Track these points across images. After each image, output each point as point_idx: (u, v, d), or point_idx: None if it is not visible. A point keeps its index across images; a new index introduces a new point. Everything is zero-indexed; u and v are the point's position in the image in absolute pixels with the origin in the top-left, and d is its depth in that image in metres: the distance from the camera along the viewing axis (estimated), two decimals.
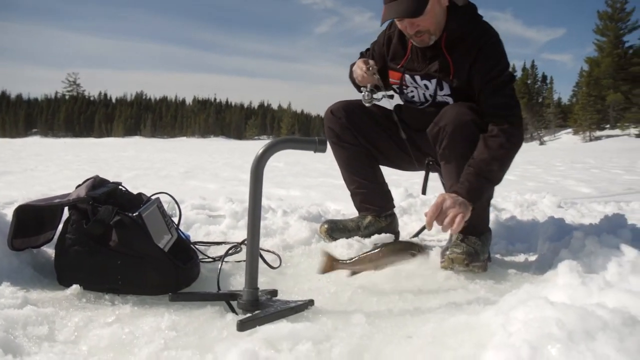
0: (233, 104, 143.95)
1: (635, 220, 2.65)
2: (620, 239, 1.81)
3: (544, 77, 65.22)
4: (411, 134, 2.28)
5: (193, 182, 5.74)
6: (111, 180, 1.98)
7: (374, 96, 2.25)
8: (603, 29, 50.47)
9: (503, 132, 1.86)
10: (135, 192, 1.99)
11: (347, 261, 1.75)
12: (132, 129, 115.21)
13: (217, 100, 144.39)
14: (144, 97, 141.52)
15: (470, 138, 1.88)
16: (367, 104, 2.25)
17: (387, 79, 2.27)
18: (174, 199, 2.07)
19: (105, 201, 1.73)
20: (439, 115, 1.97)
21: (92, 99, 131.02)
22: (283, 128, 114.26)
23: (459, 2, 2.04)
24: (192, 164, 9.70)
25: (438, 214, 1.69)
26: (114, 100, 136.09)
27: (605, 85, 49.38)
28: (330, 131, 2.41)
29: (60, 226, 2.02)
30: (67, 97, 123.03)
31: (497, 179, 1.87)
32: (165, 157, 13.68)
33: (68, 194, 1.79)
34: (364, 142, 2.36)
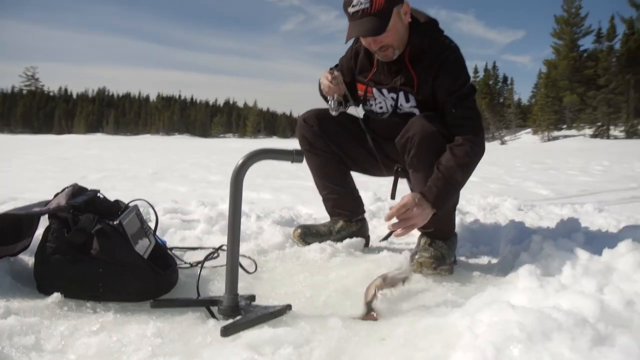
0: (198, 101, 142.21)
1: (588, 222, 2.83)
2: (574, 243, 1.95)
3: (505, 78, 66.87)
4: (380, 142, 2.37)
5: (163, 184, 5.71)
6: (88, 188, 2.00)
7: (340, 106, 2.32)
8: (560, 32, 52.16)
9: (467, 141, 1.97)
10: (107, 196, 2.00)
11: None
12: (94, 126, 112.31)
13: (182, 97, 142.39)
14: (106, 92, 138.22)
15: (437, 148, 1.98)
16: (333, 113, 2.30)
17: (355, 92, 2.36)
18: (151, 206, 2.10)
19: (84, 209, 1.75)
20: (406, 125, 2.07)
21: (51, 94, 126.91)
22: (249, 126, 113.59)
23: (420, 19, 2.13)
24: (160, 165, 9.59)
25: (401, 215, 1.82)
26: (74, 96, 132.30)
27: (562, 87, 51.04)
28: (303, 139, 2.48)
29: (39, 233, 2.05)
30: (24, 91, 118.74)
31: (461, 186, 1.98)
32: (130, 156, 13.46)
33: (47, 202, 1.81)
34: (335, 149, 2.44)
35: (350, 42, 2.30)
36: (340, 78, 2.21)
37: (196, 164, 9.82)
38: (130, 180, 6.28)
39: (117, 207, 1.95)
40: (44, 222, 2.07)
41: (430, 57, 2.08)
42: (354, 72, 2.34)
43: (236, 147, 25.34)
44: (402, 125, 2.15)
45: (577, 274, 1.48)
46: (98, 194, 1.95)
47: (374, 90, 2.26)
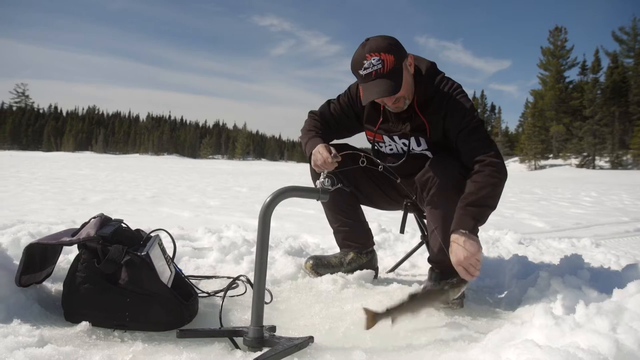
0: (188, 122, 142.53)
1: (588, 258, 2.92)
2: (581, 280, 2.03)
3: (493, 107, 68.09)
4: (391, 179, 2.45)
5: (164, 209, 5.73)
6: (97, 212, 2.04)
7: (332, 184, 2.31)
8: (546, 63, 53.42)
9: (486, 166, 2.01)
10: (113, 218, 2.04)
11: (387, 311, 1.78)
12: (83, 144, 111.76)
13: (172, 118, 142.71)
14: (96, 111, 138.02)
15: (458, 187, 2.05)
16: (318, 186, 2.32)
17: (351, 133, 2.46)
18: (172, 237, 2.15)
19: (112, 240, 1.80)
20: (427, 165, 2.13)
21: (41, 111, 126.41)
22: (238, 148, 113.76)
23: (421, 66, 2.21)
24: (157, 187, 9.61)
25: (464, 269, 1.86)
26: (64, 114, 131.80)
27: (549, 117, 51.99)
28: (315, 172, 2.55)
29: (61, 259, 2.09)
30: (14, 108, 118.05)
31: (492, 205, 1.98)
32: (124, 177, 13.43)
33: (74, 231, 1.85)
34: (346, 183, 2.51)
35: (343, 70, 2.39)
36: (338, 158, 2.13)
37: (192, 188, 9.84)
38: (131, 203, 6.29)
39: (139, 237, 2.00)
40: (65, 249, 2.13)
41: (437, 102, 2.16)
42: (358, 116, 2.40)
43: (226, 169, 25.38)
44: (414, 163, 2.25)
45: (590, 312, 1.55)
46: (122, 224, 2.01)
47: (384, 136, 2.34)
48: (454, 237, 1.89)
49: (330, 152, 2.12)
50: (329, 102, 2.48)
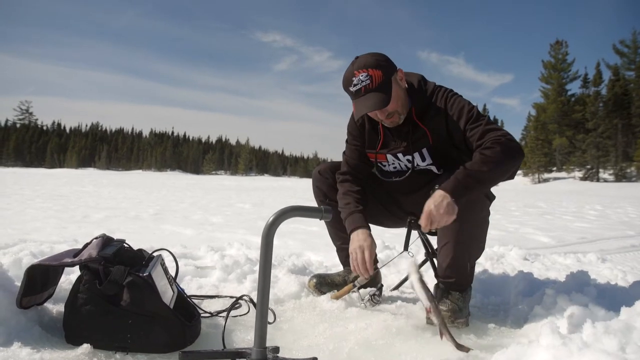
0: (191, 137, 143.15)
1: (594, 274, 2.89)
2: (587, 297, 2.01)
3: (495, 120, 68.04)
4: (394, 195, 2.45)
5: (167, 227, 5.72)
6: (100, 232, 2.04)
7: (374, 302, 2.31)
8: (547, 77, 53.61)
9: (495, 143, 1.97)
10: (114, 237, 2.03)
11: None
12: (86, 160, 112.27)
13: (175, 134, 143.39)
14: (99, 128, 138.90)
15: (471, 202, 2.01)
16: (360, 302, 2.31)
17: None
18: (174, 258, 2.14)
19: (114, 261, 1.79)
20: (442, 178, 2.08)
21: (45, 128, 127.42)
22: (241, 164, 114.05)
23: (412, 80, 2.24)
24: (159, 204, 9.60)
25: (429, 225, 1.90)
26: (68, 130, 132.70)
27: (552, 130, 52.01)
28: (318, 190, 2.56)
29: (63, 280, 2.08)
30: (18, 125, 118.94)
31: (487, 180, 1.95)
32: (127, 194, 13.44)
33: (76, 251, 1.84)
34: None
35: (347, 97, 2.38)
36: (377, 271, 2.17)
37: (195, 204, 9.83)
38: (133, 221, 6.28)
39: (142, 257, 1.98)
40: (67, 270, 2.12)
41: (434, 107, 2.18)
42: (364, 141, 2.40)
43: (229, 185, 25.40)
44: (419, 179, 2.24)
45: (598, 332, 1.53)
46: (124, 244, 2.00)
47: (387, 155, 2.32)
48: (436, 192, 1.91)
49: (372, 256, 2.14)
50: (344, 152, 2.50)
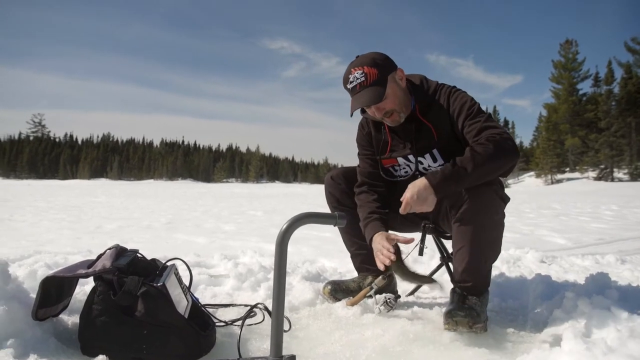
0: (201, 146, 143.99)
1: (614, 276, 2.84)
2: (609, 300, 1.96)
3: (506, 122, 67.85)
4: None
5: (180, 235, 5.73)
6: (113, 242, 2.04)
7: (388, 306, 2.27)
8: (558, 77, 53.25)
9: (489, 141, 1.97)
10: (128, 247, 2.03)
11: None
12: (98, 171, 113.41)
13: (185, 143, 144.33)
14: (110, 138, 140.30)
15: (491, 205, 2.01)
16: (376, 309, 2.27)
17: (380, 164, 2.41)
18: (188, 267, 2.13)
19: (128, 271, 1.79)
20: None
21: (57, 140, 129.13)
22: (251, 171, 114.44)
23: (415, 81, 2.27)
24: (171, 213, 9.63)
25: (407, 209, 1.95)
26: (80, 142, 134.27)
27: (563, 130, 51.59)
28: (331, 196, 2.54)
29: (77, 291, 2.08)
30: (31, 138, 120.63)
31: (473, 177, 1.93)
32: (139, 203, 13.51)
33: (90, 262, 1.84)
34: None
35: (356, 117, 2.39)
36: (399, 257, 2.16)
37: (207, 213, 9.85)
38: (146, 230, 6.30)
39: (155, 267, 1.98)
40: (82, 281, 2.12)
41: (437, 103, 2.20)
42: (374, 149, 2.40)
43: (241, 193, 25.48)
44: None
45: (623, 336, 1.49)
46: (137, 254, 1.99)
47: (399, 159, 2.32)
48: (420, 180, 1.95)
49: (390, 247, 2.13)
50: (357, 165, 2.51)
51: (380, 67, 2.10)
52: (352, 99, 2.12)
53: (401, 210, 1.97)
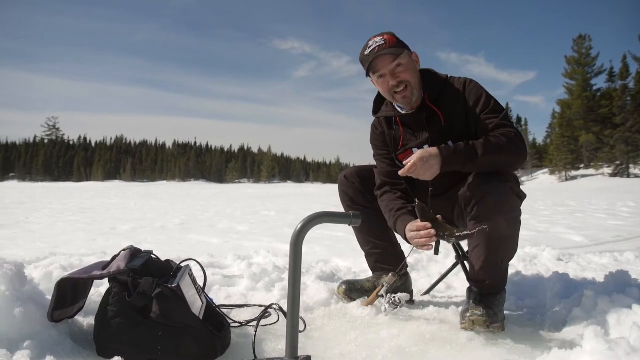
0: (213, 147, 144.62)
1: (635, 273, 2.78)
2: (631, 299, 1.92)
3: (519, 119, 67.25)
4: (426, 200, 2.39)
5: (193, 236, 5.75)
6: (127, 243, 2.04)
7: (395, 306, 2.22)
8: (571, 73, 52.58)
9: (504, 135, 2.03)
10: (141, 248, 2.03)
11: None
12: (111, 173, 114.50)
13: (198, 144, 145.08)
14: (124, 140, 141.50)
15: (507, 203, 1.99)
16: (384, 309, 2.23)
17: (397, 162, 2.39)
18: (202, 267, 2.12)
19: (142, 272, 1.78)
20: (472, 179, 2.05)
21: (71, 142, 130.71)
22: (264, 171, 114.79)
23: (425, 73, 2.28)
24: (185, 214, 9.68)
25: (411, 169, 1.97)
26: (93, 144, 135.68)
27: (577, 127, 50.97)
28: (345, 195, 2.53)
29: (93, 292, 2.08)
30: (46, 141, 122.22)
31: (481, 163, 2.00)
32: (152, 205, 13.60)
33: (105, 264, 1.84)
34: (377, 205, 2.46)
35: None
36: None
37: (220, 213, 9.88)
38: (159, 231, 6.33)
39: (169, 268, 1.98)
40: (97, 282, 2.12)
41: (451, 92, 2.20)
42: (390, 149, 2.39)
43: (253, 193, 25.54)
44: (442, 182, 2.19)
45: None
46: (152, 255, 1.99)
47: (414, 149, 2.29)
48: (433, 149, 2.00)
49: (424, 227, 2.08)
50: (374, 167, 2.51)
51: (399, 40, 2.18)
52: (371, 60, 2.13)
53: (401, 172, 2.00)
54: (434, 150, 1.98)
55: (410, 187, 2.36)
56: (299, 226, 1.60)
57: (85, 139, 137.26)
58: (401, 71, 2.13)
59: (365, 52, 2.16)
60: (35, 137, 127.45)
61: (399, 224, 2.23)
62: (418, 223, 2.08)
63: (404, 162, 2.00)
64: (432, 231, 2.02)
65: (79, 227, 6.80)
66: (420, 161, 1.95)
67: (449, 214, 2.33)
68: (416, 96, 2.18)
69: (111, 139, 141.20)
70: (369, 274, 2.65)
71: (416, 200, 2.10)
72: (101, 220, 8.12)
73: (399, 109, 2.27)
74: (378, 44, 2.13)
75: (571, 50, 52.92)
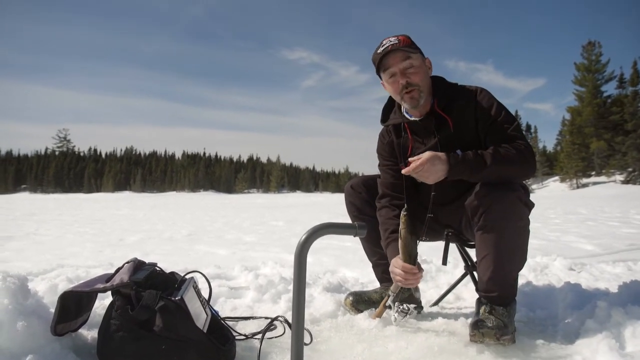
0: (222, 157, 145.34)
1: None
2: None
3: (529, 126, 66.98)
4: (433, 209, 2.36)
5: (201, 247, 5.73)
6: (132, 256, 2.02)
7: (406, 315, 2.22)
8: (581, 79, 52.32)
9: (514, 147, 2.01)
10: (147, 260, 2.01)
11: None
12: (121, 184, 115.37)
13: (207, 155, 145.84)
14: (133, 152, 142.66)
15: (515, 213, 1.96)
16: (394, 318, 2.22)
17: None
18: (207, 280, 2.11)
19: (146, 285, 1.77)
20: (479, 189, 2.02)
21: (82, 154, 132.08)
22: (272, 181, 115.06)
23: (435, 79, 2.26)
24: (193, 224, 9.68)
25: (417, 169, 1.95)
26: (103, 156, 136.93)
27: (588, 134, 50.63)
28: (352, 205, 2.50)
29: (97, 305, 2.07)
30: (57, 152, 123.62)
31: (488, 174, 1.98)
32: (161, 215, 13.64)
33: (108, 276, 1.83)
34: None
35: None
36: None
37: (228, 224, 9.87)
38: (167, 242, 6.33)
39: (174, 280, 1.96)
40: (101, 295, 2.10)
41: (462, 99, 2.17)
42: (399, 159, 2.36)
43: (262, 203, 25.56)
44: (451, 191, 2.16)
45: None
46: (156, 267, 1.97)
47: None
48: (441, 154, 1.98)
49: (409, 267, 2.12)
50: (378, 176, 2.49)
51: (413, 42, 2.17)
52: (382, 55, 2.13)
53: (405, 170, 1.98)
54: (443, 155, 1.97)
55: (416, 191, 2.33)
56: (303, 237, 1.57)
57: (95, 150, 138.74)
58: (412, 72, 2.12)
59: (378, 51, 2.16)
60: (46, 149, 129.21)
61: (389, 250, 2.26)
62: (404, 263, 2.11)
63: (411, 160, 1.98)
64: (419, 275, 2.12)
65: (87, 239, 6.81)
66: (428, 162, 1.93)
67: (456, 224, 2.29)
68: (424, 99, 2.16)
69: (121, 150, 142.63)
70: (377, 284, 2.61)
71: (404, 210, 2.11)
72: (109, 231, 8.14)
73: (407, 116, 2.25)
74: (391, 42, 2.13)
75: (581, 57, 52.73)
